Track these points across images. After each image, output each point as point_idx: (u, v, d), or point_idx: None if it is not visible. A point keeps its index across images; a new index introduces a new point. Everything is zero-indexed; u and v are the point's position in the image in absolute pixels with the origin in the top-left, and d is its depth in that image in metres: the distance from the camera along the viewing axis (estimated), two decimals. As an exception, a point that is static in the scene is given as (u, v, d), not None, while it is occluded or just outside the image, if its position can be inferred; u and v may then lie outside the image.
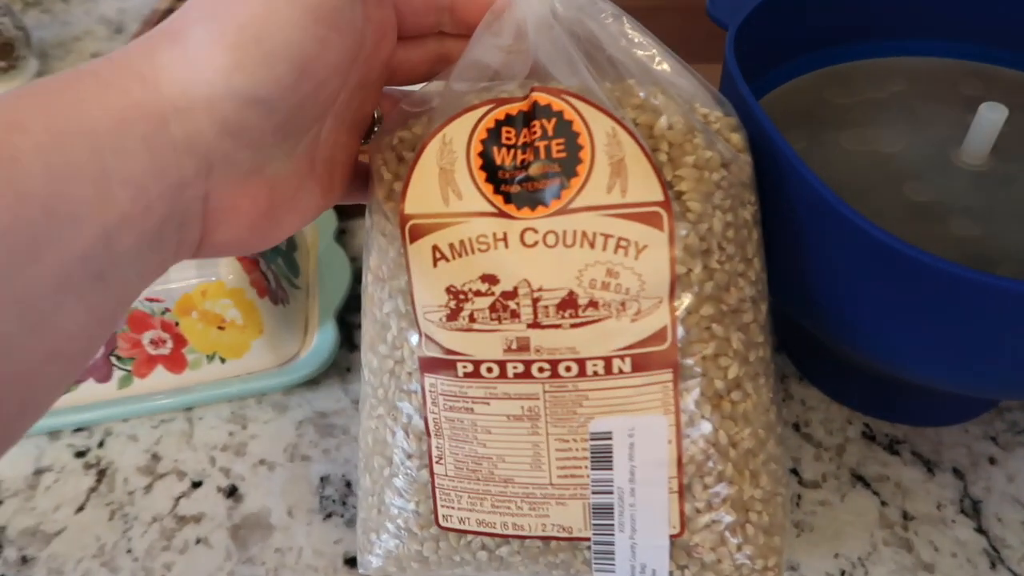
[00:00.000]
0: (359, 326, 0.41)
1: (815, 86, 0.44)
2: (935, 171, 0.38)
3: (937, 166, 0.38)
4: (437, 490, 0.31)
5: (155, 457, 0.43)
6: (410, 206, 0.28)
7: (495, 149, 0.27)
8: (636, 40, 0.30)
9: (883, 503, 0.39)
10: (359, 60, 0.26)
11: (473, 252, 0.27)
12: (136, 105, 0.21)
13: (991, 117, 0.36)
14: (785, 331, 0.46)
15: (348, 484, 0.41)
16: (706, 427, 0.29)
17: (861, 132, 0.41)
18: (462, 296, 0.28)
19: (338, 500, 0.40)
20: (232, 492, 0.41)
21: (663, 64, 0.30)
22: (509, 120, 0.28)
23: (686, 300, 0.28)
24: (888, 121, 0.41)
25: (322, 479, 0.41)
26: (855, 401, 0.43)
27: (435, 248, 0.28)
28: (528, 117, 0.28)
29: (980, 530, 0.38)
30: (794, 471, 0.40)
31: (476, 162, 0.27)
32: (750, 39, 0.37)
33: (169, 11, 0.72)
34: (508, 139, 0.28)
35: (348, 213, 0.54)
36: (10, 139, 0.19)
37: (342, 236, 0.53)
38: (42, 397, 0.21)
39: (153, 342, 0.41)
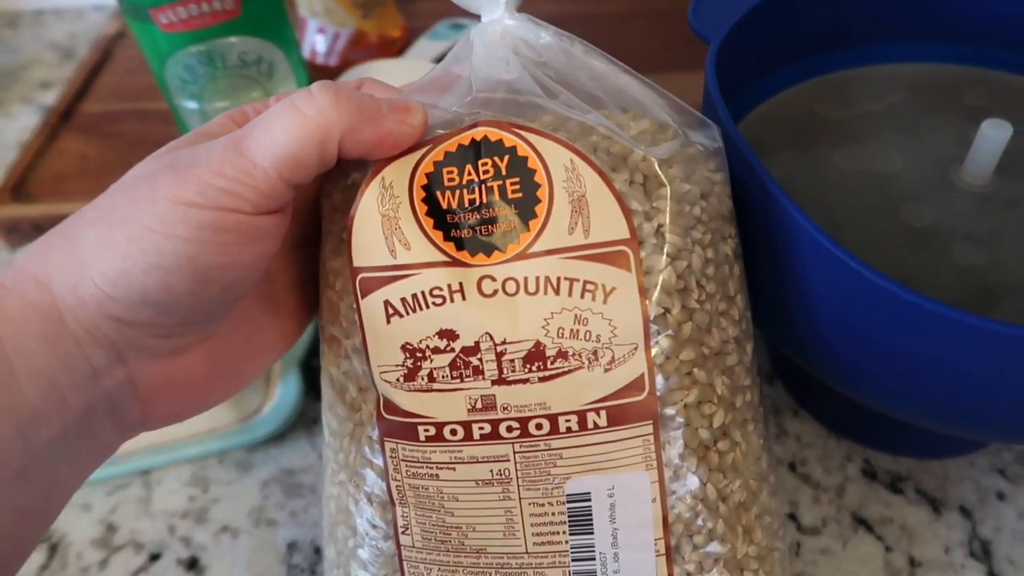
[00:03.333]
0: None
1: (806, 98, 0.41)
2: (935, 192, 0.36)
3: (937, 187, 0.36)
4: (405, 563, 0.28)
5: (110, 528, 0.40)
6: (357, 259, 0.25)
7: (438, 192, 0.25)
8: (607, 67, 0.28)
9: (888, 548, 0.36)
10: (280, 237, 0.24)
11: (428, 306, 0.25)
12: (32, 306, 0.21)
13: (994, 136, 0.34)
14: (779, 360, 0.43)
15: (317, 551, 0.38)
16: (692, 482, 0.27)
17: (855, 149, 0.38)
18: (419, 354, 0.25)
19: (307, 569, 0.38)
20: (193, 564, 0.38)
21: (636, 90, 0.28)
22: (449, 158, 0.25)
23: (664, 344, 0.26)
24: (885, 136, 0.39)
25: (289, 546, 0.39)
26: (854, 434, 0.40)
27: (387, 303, 0.25)
28: (474, 151, 0.25)
29: (991, 574, 0.35)
30: (792, 516, 0.38)
31: (421, 208, 0.25)
32: (735, 50, 0.35)
33: (119, 35, 0.70)
34: (451, 180, 0.25)
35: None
36: None
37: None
38: None
39: (101, 407, 0.39)
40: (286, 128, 0.22)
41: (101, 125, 0.60)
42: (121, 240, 0.21)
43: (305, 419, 0.44)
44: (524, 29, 0.27)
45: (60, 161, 0.57)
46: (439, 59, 0.60)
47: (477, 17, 0.27)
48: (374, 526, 0.29)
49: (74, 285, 0.21)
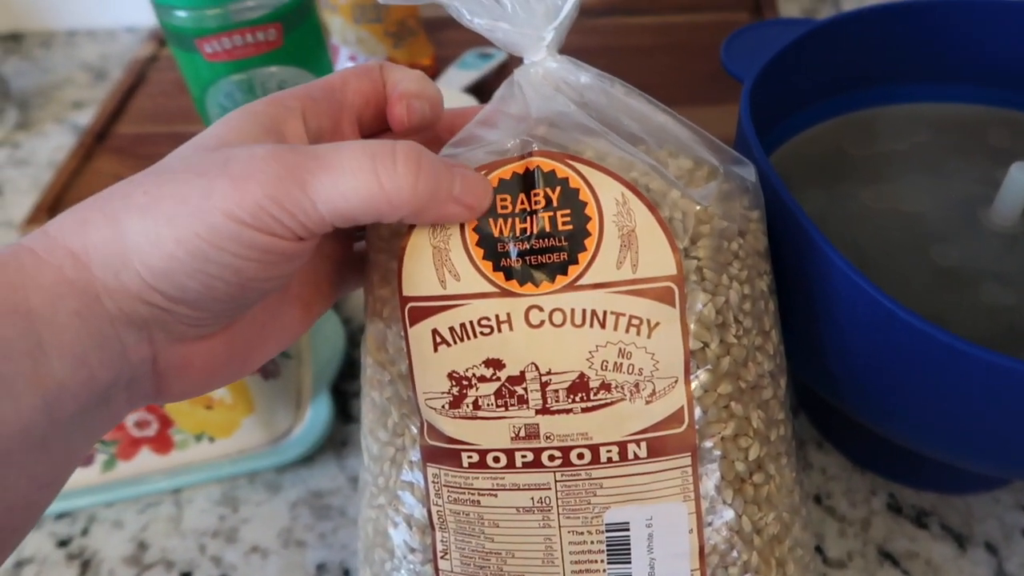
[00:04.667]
0: (355, 394, 0.39)
1: (834, 136, 0.42)
2: (963, 233, 0.36)
3: (965, 227, 0.36)
4: (442, 587, 0.29)
5: (142, 545, 0.41)
6: (407, 288, 0.26)
7: (491, 220, 0.26)
8: (646, 107, 0.29)
9: (915, 583, 0.36)
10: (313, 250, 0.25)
11: (475, 336, 0.26)
12: (67, 282, 0.21)
13: (1022, 179, 0.34)
14: (805, 393, 0.44)
15: (346, 573, 0.39)
16: (728, 514, 0.27)
17: (883, 188, 0.39)
18: (465, 382, 0.26)
19: (335, 590, 0.38)
20: (223, 583, 0.39)
21: (675, 129, 0.29)
22: (503, 185, 0.26)
23: (702, 377, 0.26)
24: (911, 175, 0.39)
25: (318, 567, 0.39)
26: (879, 467, 0.41)
27: (435, 332, 0.26)
28: (527, 181, 0.26)
29: (1019, 611, 0.35)
30: (818, 548, 0.38)
31: (472, 238, 0.26)
32: (766, 89, 0.36)
33: (151, 58, 0.72)
34: (504, 208, 0.26)
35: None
36: None
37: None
38: None
39: (137, 424, 0.39)
40: (356, 190, 0.22)
41: (135, 147, 0.62)
42: (169, 241, 0.21)
43: (334, 442, 0.44)
44: (565, 71, 0.28)
45: (95, 181, 0.59)
46: (469, 87, 0.62)
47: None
48: (412, 549, 0.29)
49: (117, 271, 0.21)
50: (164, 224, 0.21)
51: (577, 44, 0.30)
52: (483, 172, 0.26)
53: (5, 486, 0.20)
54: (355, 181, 0.22)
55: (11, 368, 0.20)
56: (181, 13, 0.42)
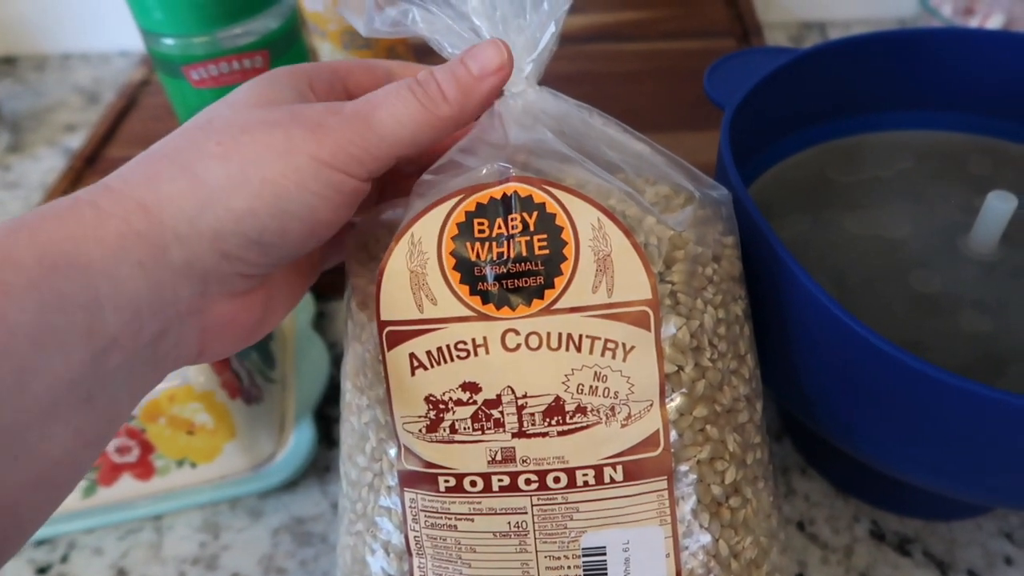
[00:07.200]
0: (338, 419, 0.39)
1: (816, 163, 0.43)
2: (943, 260, 0.37)
3: (945, 254, 0.37)
4: (419, 613, 0.28)
5: (121, 572, 0.40)
6: (385, 312, 0.26)
7: (468, 244, 0.26)
8: (624, 136, 0.29)
9: (897, 611, 0.36)
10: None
11: (452, 359, 0.26)
12: (136, 234, 0.22)
13: (1000, 207, 0.35)
14: (788, 417, 0.44)
15: (326, 600, 0.38)
16: (705, 538, 0.27)
17: (865, 214, 0.39)
18: (442, 406, 0.26)
19: (315, 617, 0.38)
20: (202, 611, 0.38)
21: (651, 157, 0.29)
22: (481, 210, 0.26)
23: (678, 401, 0.27)
24: (893, 202, 0.40)
25: (298, 594, 0.39)
26: (862, 493, 0.40)
27: (412, 356, 0.26)
28: (505, 206, 0.26)
29: (1001, 638, 0.35)
30: None
31: (449, 262, 0.26)
32: (748, 115, 0.36)
33: (144, 82, 0.72)
34: (481, 231, 0.26)
35: (326, 296, 0.53)
36: (2, 274, 0.19)
37: (320, 320, 0.52)
38: (27, 525, 0.21)
39: (118, 450, 0.39)
40: (411, 115, 0.24)
41: (124, 172, 0.62)
42: (255, 181, 0.22)
43: (317, 467, 0.44)
44: (544, 101, 0.28)
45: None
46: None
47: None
48: (390, 576, 0.29)
49: (194, 216, 0.22)
50: (250, 166, 0.23)
51: (563, 70, 0.30)
52: (462, 196, 0.26)
53: (52, 441, 0.20)
54: (406, 108, 0.24)
55: (65, 321, 0.20)
56: (169, 41, 0.43)
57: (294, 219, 0.23)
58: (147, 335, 0.22)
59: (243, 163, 0.23)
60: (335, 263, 0.31)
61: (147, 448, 0.39)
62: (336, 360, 0.48)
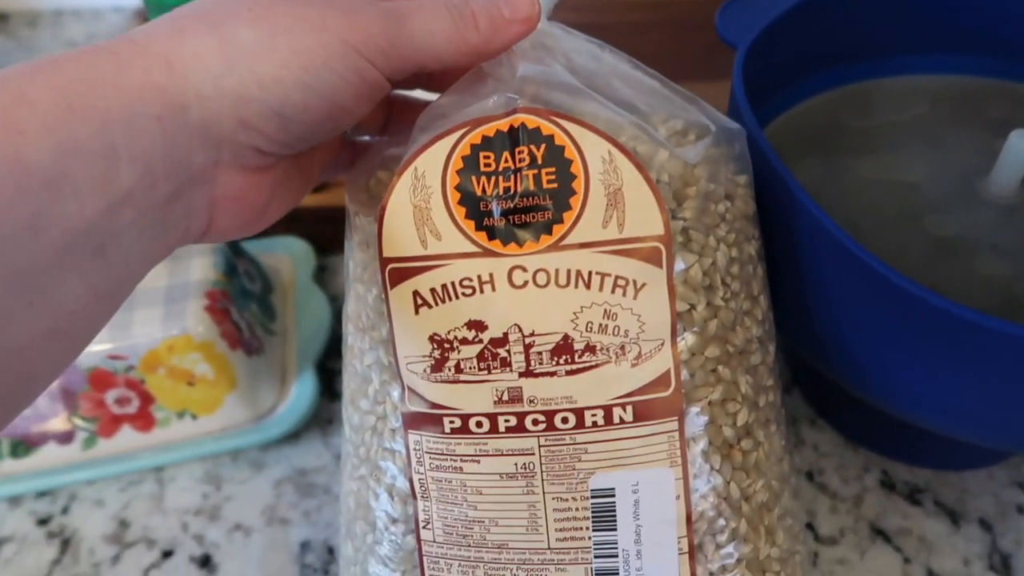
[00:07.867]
0: (340, 372, 0.39)
1: (830, 107, 0.42)
2: (960, 203, 0.36)
3: (962, 198, 0.36)
4: (425, 558, 0.28)
5: (123, 524, 0.40)
6: (387, 249, 0.26)
7: (473, 178, 0.25)
8: (636, 72, 0.28)
9: (906, 560, 0.36)
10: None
11: (457, 297, 0.25)
12: (156, 86, 0.21)
13: (1022, 146, 0.34)
14: (798, 368, 0.43)
15: (330, 551, 0.38)
16: (716, 480, 0.26)
17: (879, 159, 0.38)
18: (447, 345, 0.25)
19: (320, 568, 0.37)
20: (206, 562, 0.38)
21: (664, 93, 0.28)
22: (487, 143, 0.25)
23: (689, 340, 0.26)
24: (909, 147, 0.39)
25: (302, 545, 0.38)
26: (872, 443, 0.40)
27: (416, 294, 0.25)
28: (512, 139, 0.25)
29: (1012, 586, 0.35)
30: (809, 525, 0.37)
31: (453, 196, 0.25)
32: (761, 58, 0.35)
33: None
34: (487, 165, 0.25)
35: (326, 250, 0.52)
36: (18, 113, 0.19)
37: (321, 274, 0.51)
38: (42, 374, 0.21)
39: (118, 401, 0.39)
40: (444, 30, 0.25)
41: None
42: (285, 49, 0.22)
43: (319, 419, 0.43)
44: (554, 36, 0.28)
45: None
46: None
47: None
48: (394, 520, 0.28)
49: (218, 76, 0.22)
50: (280, 34, 0.22)
51: (569, 20, 0.29)
52: (467, 128, 0.25)
53: (65, 290, 0.20)
54: (439, 21, 0.24)
55: (81, 167, 0.20)
56: (163, -17, 0.41)
57: (316, 96, 0.23)
58: (160, 194, 0.22)
59: (274, 30, 0.22)
60: (335, 175, 0.31)
61: (147, 399, 0.39)
62: (337, 314, 0.47)
